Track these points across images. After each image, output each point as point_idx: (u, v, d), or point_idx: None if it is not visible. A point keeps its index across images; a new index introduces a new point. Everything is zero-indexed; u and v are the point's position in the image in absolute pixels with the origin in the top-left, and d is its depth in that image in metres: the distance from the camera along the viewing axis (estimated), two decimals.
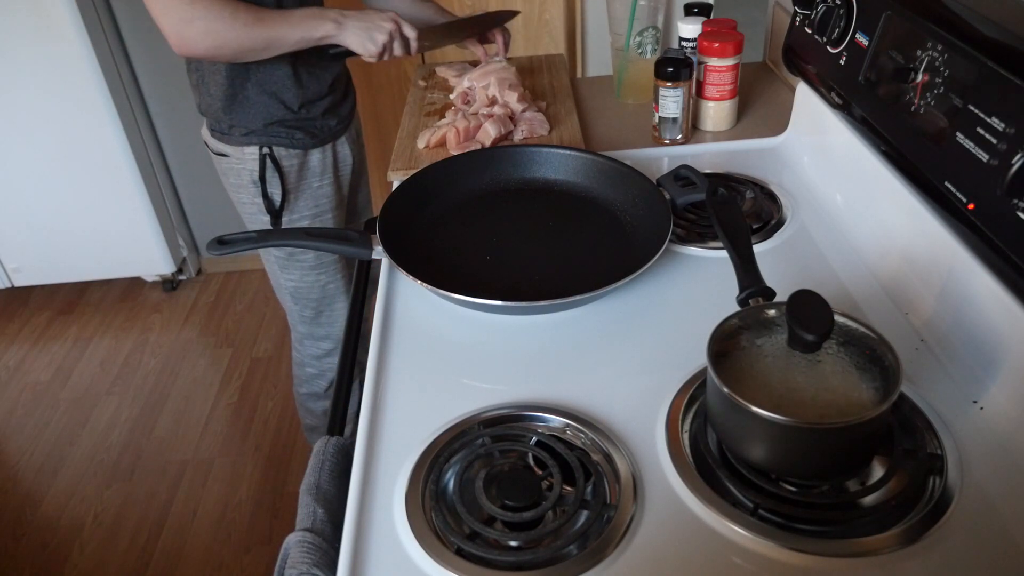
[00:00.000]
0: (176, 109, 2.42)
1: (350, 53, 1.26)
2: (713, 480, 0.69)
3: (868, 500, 0.66)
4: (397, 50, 1.25)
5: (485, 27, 1.39)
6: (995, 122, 0.70)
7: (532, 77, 1.46)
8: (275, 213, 1.38)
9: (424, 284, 0.88)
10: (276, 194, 1.37)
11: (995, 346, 0.73)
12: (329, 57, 1.27)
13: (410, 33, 1.25)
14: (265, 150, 1.34)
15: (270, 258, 1.48)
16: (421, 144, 1.23)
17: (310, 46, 1.23)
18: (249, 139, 1.33)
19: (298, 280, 1.49)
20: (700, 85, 1.25)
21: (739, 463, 0.68)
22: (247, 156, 1.34)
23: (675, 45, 1.32)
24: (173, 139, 2.48)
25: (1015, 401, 0.70)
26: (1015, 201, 0.67)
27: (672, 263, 0.97)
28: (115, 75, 2.27)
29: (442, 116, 1.31)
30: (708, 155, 1.23)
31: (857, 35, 0.96)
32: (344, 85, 1.45)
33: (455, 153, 1.17)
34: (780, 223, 1.03)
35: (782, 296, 0.69)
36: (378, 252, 0.96)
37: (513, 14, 1.42)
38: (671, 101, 1.20)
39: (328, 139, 1.41)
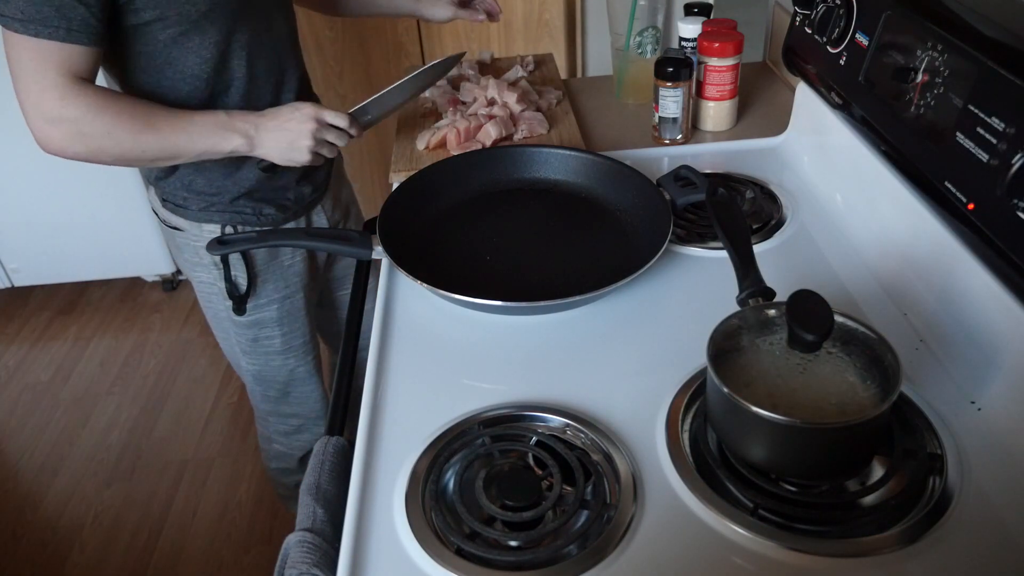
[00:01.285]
0: None
1: (272, 166, 1.07)
2: (713, 480, 0.69)
3: (868, 500, 0.66)
4: (338, 142, 1.06)
5: (431, 79, 1.20)
6: (995, 122, 0.70)
7: (524, 76, 1.46)
8: (239, 299, 1.18)
9: (424, 284, 0.88)
10: (240, 277, 1.17)
11: (994, 346, 0.73)
12: (259, 170, 1.08)
13: (339, 121, 1.04)
14: (228, 229, 1.13)
15: (230, 342, 1.29)
16: (421, 146, 1.23)
17: (216, 159, 1.04)
18: (208, 215, 1.12)
19: (262, 365, 1.30)
20: (700, 85, 1.25)
21: (739, 463, 0.68)
22: (206, 233, 1.13)
23: (675, 45, 1.31)
24: None
25: (1015, 401, 0.70)
26: (1015, 201, 0.67)
27: (672, 263, 0.97)
28: None
29: (438, 116, 1.31)
30: (708, 155, 1.23)
31: (857, 35, 0.96)
32: None
33: (455, 153, 1.17)
34: (780, 223, 1.03)
35: (782, 296, 0.69)
36: (378, 252, 0.96)
37: (459, 57, 1.26)
38: (671, 101, 1.20)
39: (301, 211, 1.21)
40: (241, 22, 1.01)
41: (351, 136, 1.06)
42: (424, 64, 1.19)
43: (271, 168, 1.07)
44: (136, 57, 0.98)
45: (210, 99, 1.04)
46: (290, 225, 1.20)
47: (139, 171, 1.16)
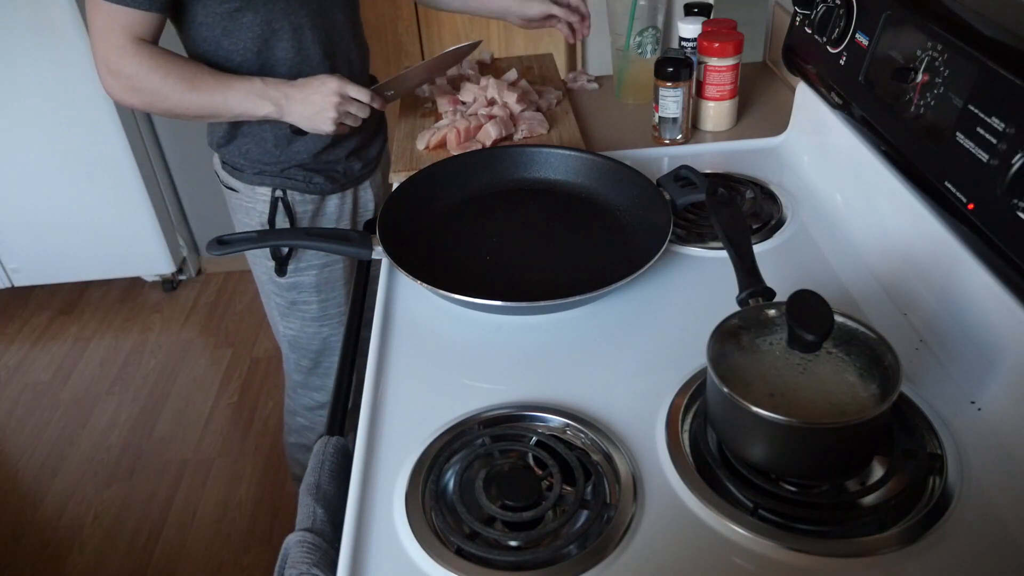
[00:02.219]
0: None
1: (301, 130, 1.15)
2: (713, 480, 0.69)
3: (868, 500, 0.66)
4: (360, 114, 1.14)
5: (450, 63, 1.29)
6: (995, 122, 0.70)
7: (525, 76, 1.46)
8: (281, 260, 1.28)
9: (424, 284, 0.88)
10: None
11: (994, 346, 0.73)
12: (313, 139, 1.18)
13: (362, 96, 1.13)
14: (278, 193, 1.24)
15: (271, 304, 1.38)
16: (421, 145, 1.23)
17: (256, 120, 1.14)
18: (262, 179, 1.23)
19: (298, 330, 1.39)
20: (700, 85, 1.25)
21: (739, 463, 0.68)
22: (258, 196, 1.24)
23: (675, 45, 1.31)
24: (173, 138, 2.48)
25: (1015, 401, 0.70)
26: (1015, 201, 0.67)
27: (672, 263, 0.97)
28: None
29: (439, 117, 1.31)
30: (708, 155, 1.23)
31: (857, 35, 0.96)
32: (376, 123, 1.34)
33: (455, 153, 1.17)
34: (780, 223, 1.03)
35: (782, 296, 0.69)
36: (378, 252, 0.96)
37: (474, 45, 1.31)
38: (671, 101, 1.20)
39: (349, 184, 1.31)
40: (292, 6, 1.10)
41: (373, 109, 1.15)
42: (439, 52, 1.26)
43: (301, 131, 1.16)
44: (197, 26, 1.10)
45: (261, 72, 1.13)
46: (335, 196, 1.29)
47: (205, 136, 1.30)
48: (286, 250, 1.27)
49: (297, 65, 1.14)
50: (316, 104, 1.10)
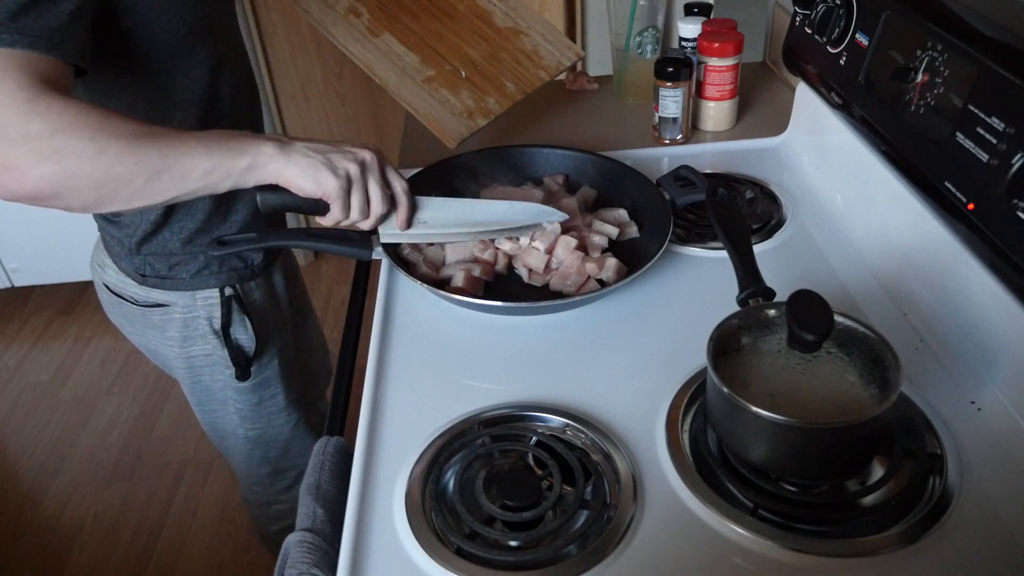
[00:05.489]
0: None
1: (285, 204, 0.81)
2: (713, 480, 0.69)
3: (868, 500, 0.66)
4: (375, 202, 0.82)
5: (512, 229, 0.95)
6: (995, 122, 0.70)
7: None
8: (244, 364, 1.06)
9: (424, 284, 0.88)
10: (245, 339, 1.05)
11: (994, 346, 0.73)
12: (252, 198, 0.84)
13: (397, 182, 0.84)
14: (228, 291, 1.00)
15: (226, 413, 1.14)
16: (457, 281, 0.90)
17: (226, 187, 0.75)
18: (203, 279, 0.99)
19: (264, 427, 1.18)
20: (700, 85, 1.25)
21: (739, 463, 0.68)
22: (200, 303, 1.00)
23: (675, 45, 1.32)
24: None
25: (1015, 401, 0.70)
26: (1015, 201, 0.67)
27: (672, 263, 0.97)
28: None
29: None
30: (708, 155, 1.23)
31: (857, 35, 0.96)
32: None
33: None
34: (780, 223, 1.03)
35: (782, 296, 0.69)
36: (378, 252, 0.95)
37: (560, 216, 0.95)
38: (671, 101, 1.20)
39: (280, 248, 1.09)
40: (219, 39, 0.91)
41: (388, 215, 0.85)
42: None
43: (271, 206, 0.82)
44: (123, 89, 0.84)
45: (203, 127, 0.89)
46: (277, 269, 1.10)
47: (106, 249, 1.00)
48: (252, 350, 1.07)
49: (232, 112, 0.94)
50: (337, 151, 0.79)
